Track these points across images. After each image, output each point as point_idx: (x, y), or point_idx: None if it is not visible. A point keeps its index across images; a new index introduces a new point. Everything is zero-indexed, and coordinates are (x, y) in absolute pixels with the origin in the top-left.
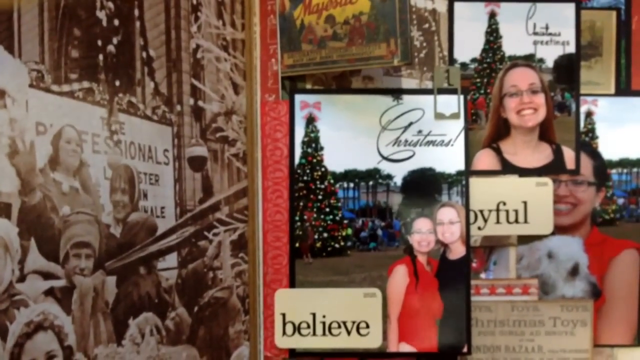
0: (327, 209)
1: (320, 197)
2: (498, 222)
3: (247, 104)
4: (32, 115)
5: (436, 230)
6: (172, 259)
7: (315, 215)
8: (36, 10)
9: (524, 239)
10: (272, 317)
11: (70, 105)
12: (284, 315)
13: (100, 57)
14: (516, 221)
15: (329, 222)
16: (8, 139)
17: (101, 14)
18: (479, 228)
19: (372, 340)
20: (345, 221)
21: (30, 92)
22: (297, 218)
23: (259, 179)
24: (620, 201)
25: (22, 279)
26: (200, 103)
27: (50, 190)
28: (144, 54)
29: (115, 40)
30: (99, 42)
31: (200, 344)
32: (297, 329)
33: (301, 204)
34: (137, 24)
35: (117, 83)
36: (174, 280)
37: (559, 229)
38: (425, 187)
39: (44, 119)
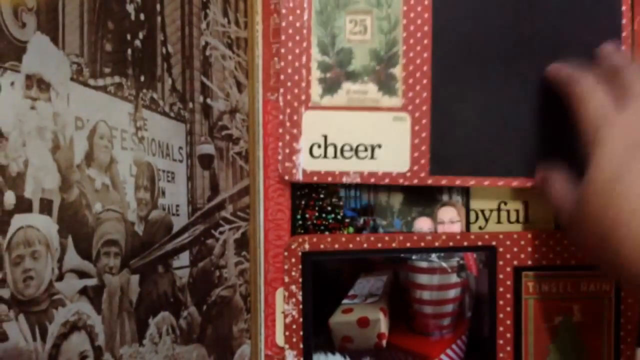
0: (329, 208)
1: (322, 195)
2: (499, 221)
3: (249, 102)
4: (72, 109)
5: (437, 229)
6: (185, 258)
7: (317, 214)
8: (78, 0)
9: None
10: (273, 315)
11: (103, 100)
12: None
13: (129, 51)
14: (517, 221)
15: (330, 220)
16: (52, 134)
17: (130, 8)
18: (480, 228)
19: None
20: (347, 220)
21: (71, 85)
22: (298, 217)
23: (260, 177)
24: None
25: (60, 277)
26: (208, 101)
27: (85, 186)
28: (164, 50)
29: (141, 35)
30: (128, 36)
31: (208, 342)
32: None
33: (303, 202)
34: (159, 19)
35: (142, 78)
36: (186, 279)
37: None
38: (426, 186)
39: (82, 113)
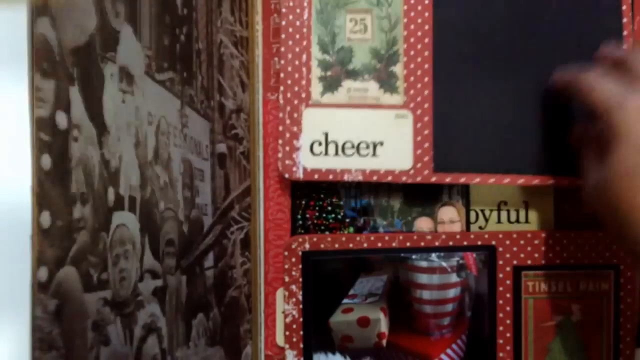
0: (329, 208)
1: (322, 195)
2: (499, 221)
3: (249, 102)
4: (146, 104)
5: (437, 229)
6: (210, 258)
7: (317, 214)
8: None
9: None
10: (273, 315)
11: (163, 95)
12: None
13: (177, 46)
14: (517, 221)
15: (331, 220)
16: (135, 129)
17: (178, 1)
18: (480, 227)
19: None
20: (347, 220)
21: (145, 79)
22: (299, 216)
23: (260, 177)
24: None
25: (141, 278)
26: (222, 99)
27: (155, 184)
28: (197, 46)
29: (185, 30)
30: (177, 31)
31: (225, 343)
32: None
33: (303, 202)
34: (194, 14)
35: (185, 74)
36: (212, 279)
37: None
38: (426, 186)
39: (152, 108)
